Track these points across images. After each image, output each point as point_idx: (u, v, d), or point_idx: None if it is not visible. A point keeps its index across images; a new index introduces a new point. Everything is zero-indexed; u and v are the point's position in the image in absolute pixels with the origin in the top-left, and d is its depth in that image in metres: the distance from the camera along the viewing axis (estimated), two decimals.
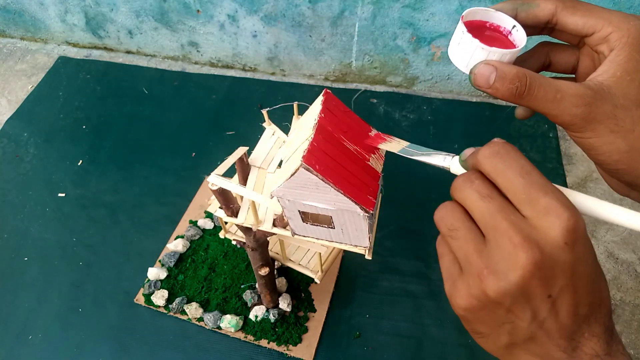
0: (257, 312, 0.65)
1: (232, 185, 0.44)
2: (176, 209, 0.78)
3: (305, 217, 0.41)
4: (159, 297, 0.67)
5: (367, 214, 0.37)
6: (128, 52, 1.06)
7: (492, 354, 0.31)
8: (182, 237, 0.73)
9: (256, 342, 0.64)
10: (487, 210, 0.27)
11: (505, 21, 0.33)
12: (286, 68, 1.00)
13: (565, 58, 0.36)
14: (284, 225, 0.46)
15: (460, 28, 0.32)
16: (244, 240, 0.53)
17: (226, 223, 0.56)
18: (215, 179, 0.44)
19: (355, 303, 0.68)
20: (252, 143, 0.77)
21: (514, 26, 0.33)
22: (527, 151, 0.86)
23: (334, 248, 0.56)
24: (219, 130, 0.90)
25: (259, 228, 0.47)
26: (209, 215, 0.76)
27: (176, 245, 0.72)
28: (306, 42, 0.93)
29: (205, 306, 0.67)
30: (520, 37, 0.33)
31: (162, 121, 0.92)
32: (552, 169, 0.83)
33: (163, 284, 0.69)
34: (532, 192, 0.26)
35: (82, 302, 0.68)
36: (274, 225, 0.46)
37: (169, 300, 0.67)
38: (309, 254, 0.58)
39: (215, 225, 0.75)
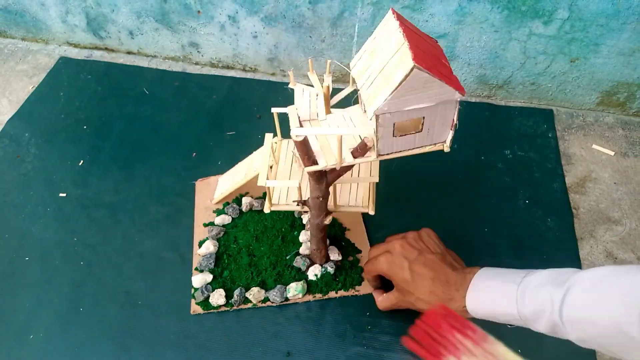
0: (315, 271, 0.69)
1: (320, 129, 0.47)
2: (177, 209, 0.78)
3: (397, 130, 0.44)
4: (218, 297, 0.67)
5: (461, 97, 0.43)
6: (129, 52, 1.06)
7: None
8: (206, 239, 0.73)
9: (325, 297, 0.68)
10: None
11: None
12: (286, 68, 1.00)
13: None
14: (364, 154, 0.48)
15: None
16: (292, 209, 0.61)
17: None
18: (298, 131, 0.45)
19: (358, 300, 0.68)
20: (252, 143, 0.77)
21: None
22: (527, 151, 0.86)
23: (371, 183, 0.62)
24: (220, 130, 0.90)
25: (343, 164, 0.49)
26: (221, 212, 0.77)
27: (207, 247, 0.72)
28: (306, 42, 0.93)
29: (264, 288, 0.69)
30: None
31: (163, 121, 0.92)
32: (551, 169, 0.83)
33: (214, 285, 0.69)
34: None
35: (82, 301, 0.69)
36: (355, 157, 0.49)
37: (228, 297, 0.68)
38: (351, 197, 0.64)
39: (233, 218, 0.76)
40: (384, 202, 0.65)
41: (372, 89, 0.43)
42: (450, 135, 0.48)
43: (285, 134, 0.67)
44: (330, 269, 0.69)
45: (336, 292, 0.68)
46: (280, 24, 0.91)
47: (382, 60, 0.42)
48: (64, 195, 0.81)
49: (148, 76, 1.01)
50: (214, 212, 0.77)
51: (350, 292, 0.68)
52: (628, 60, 0.84)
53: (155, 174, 0.83)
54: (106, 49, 1.07)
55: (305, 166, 0.50)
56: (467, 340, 0.31)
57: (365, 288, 0.69)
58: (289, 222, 0.75)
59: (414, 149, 0.48)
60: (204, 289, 0.68)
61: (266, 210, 0.62)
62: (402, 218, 0.76)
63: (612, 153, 0.86)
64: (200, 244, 0.73)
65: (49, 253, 0.74)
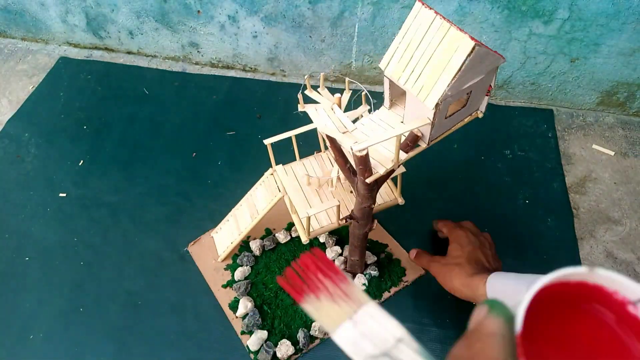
0: (362, 281, 0.69)
1: (379, 136, 0.46)
2: (177, 209, 0.78)
3: (448, 111, 0.46)
4: (286, 348, 0.63)
5: (504, 61, 0.45)
6: (129, 52, 1.06)
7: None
8: (237, 299, 0.68)
9: (383, 301, 0.68)
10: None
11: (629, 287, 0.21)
12: (286, 68, 1.00)
13: None
14: (414, 146, 0.50)
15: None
16: (327, 230, 0.59)
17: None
18: (359, 146, 0.45)
19: None
20: (252, 143, 0.77)
21: None
22: (527, 151, 0.86)
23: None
24: (219, 130, 0.90)
25: (400, 162, 0.50)
26: (234, 266, 0.71)
27: (245, 305, 0.67)
28: (306, 42, 0.93)
29: None
30: None
31: (163, 121, 0.92)
32: (551, 169, 0.83)
33: (273, 339, 0.65)
34: None
35: (83, 301, 0.69)
36: (407, 152, 0.49)
37: (294, 344, 0.64)
38: (380, 196, 0.64)
39: (252, 267, 0.71)
40: None
41: (424, 80, 0.43)
42: (485, 101, 0.49)
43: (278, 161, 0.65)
44: (374, 272, 0.69)
45: (389, 292, 0.69)
46: (280, 24, 0.91)
47: (428, 50, 0.43)
48: (64, 195, 0.81)
49: (148, 76, 1.01)
50: (225, 269, 0.72)
51: (401, 285, 0.69)
52: (628, 60, 0.84)
53: (155, 174, 0.83)
54: (106, 49, 1.07)
55: (366, 178, 0.49)
56: (328, 280, 0.34)
57: (411, 275, 0.70)
58: (306, 247, 0.71)
59: (456, 125, 0.49)
60: (266, 348, 0.63)
61: (305, 241, 0.59)
62: (402, 218, 0.76)
63: (612, 153, 0.86)
64: (232, 305, 0.67)
65: (49, 253, 0.74)
